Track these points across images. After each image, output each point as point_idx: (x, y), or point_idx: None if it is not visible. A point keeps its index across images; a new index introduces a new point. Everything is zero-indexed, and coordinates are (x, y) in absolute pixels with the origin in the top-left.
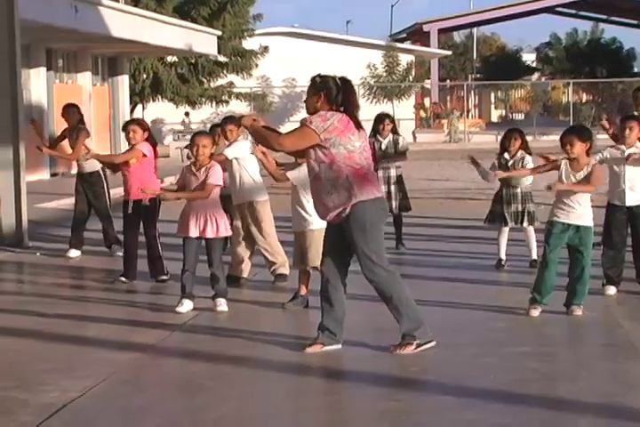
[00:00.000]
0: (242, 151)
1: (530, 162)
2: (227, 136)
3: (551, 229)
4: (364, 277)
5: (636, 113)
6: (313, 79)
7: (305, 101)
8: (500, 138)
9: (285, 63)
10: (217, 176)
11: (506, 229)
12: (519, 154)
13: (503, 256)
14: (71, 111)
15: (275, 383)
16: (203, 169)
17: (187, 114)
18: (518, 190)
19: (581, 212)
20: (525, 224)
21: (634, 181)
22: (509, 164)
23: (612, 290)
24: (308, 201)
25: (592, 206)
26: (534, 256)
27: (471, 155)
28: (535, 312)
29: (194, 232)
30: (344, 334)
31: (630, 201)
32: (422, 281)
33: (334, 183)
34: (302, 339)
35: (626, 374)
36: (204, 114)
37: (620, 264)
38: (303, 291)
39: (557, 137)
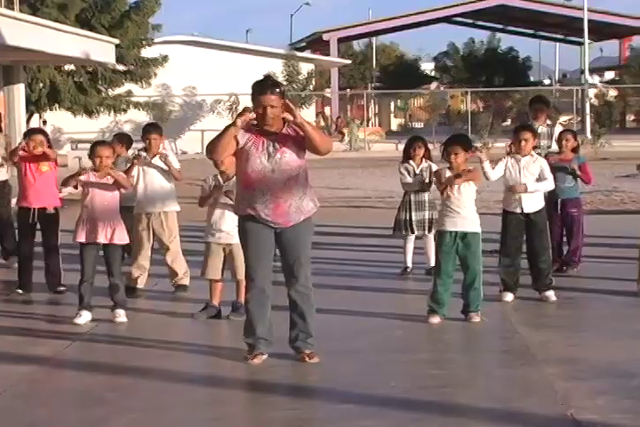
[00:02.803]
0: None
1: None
2: (151, 145)
3: (441, 240)
4: (294, 286)
5: (535, 123)
6: (275, 87)
7: (269, 110)
8: (400, 146)
9: (185, 72)
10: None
11: (412, 237)
12: (424, 163)
13: (409, 264)
14: None
15: (175, 394)
16: (108, 178)
17: (44, 122)
18: (426, 197)
19: (466, 215)
20: (426, 232)
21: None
22: (417, 172)
23: (509, 297)
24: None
25: (490, 214)
26: (432, 264)
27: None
28: (434, 320)
29: (91, 238)
30: (238, 345)
31: (527, 208)
32: (323, 289)
33: (305, 189)
34: (204, 349)
35: (522, 379)
36: (104, 123)
37: (517, 271)
38: (216, 301)
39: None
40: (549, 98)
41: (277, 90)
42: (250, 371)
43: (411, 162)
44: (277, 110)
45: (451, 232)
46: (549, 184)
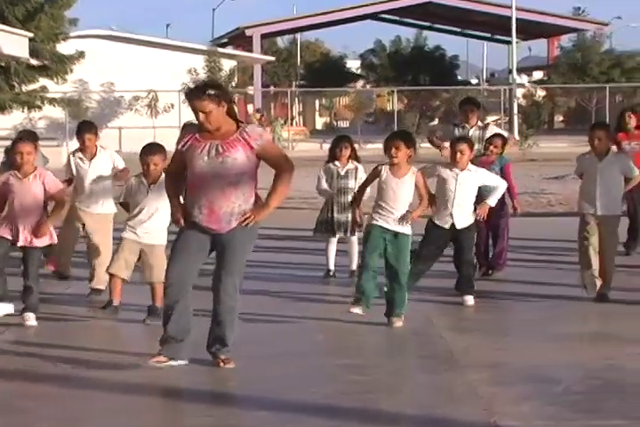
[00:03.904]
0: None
1: (363, 173)
2: (85, 145)
3: (369, 232)
4: (219, 290)
5: (466, 125)
6: (206, 91)
7: (201, 115)
8: (325, 146)
9: (103, 67)
10: (56, 182)
11: (334, 240)
12: (350, 164)
13: (332, 267)
14: None
15: (90, 402)
16: (32, 177)
17: None
18: (349, 199)
19: (401, 215)
20: (348, 234)
21: (463, 206)
22: (342, 173)
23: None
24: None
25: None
26: (354, 267)
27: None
28: (357, 310)
29: (9, 235)
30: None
31: (460, 224)
32: (243, 293)
33: (247, 197)
34: (119, 355)
35: (446, 385)
36: (17, 119)
37: (421, 276)
38: (117, 299)
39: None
40: (477, 98)
41: (211, 93)
42: (167, 377)
43: (336, 163)
44: (213, 115)
45: (382, 228)
46: (502, 188)
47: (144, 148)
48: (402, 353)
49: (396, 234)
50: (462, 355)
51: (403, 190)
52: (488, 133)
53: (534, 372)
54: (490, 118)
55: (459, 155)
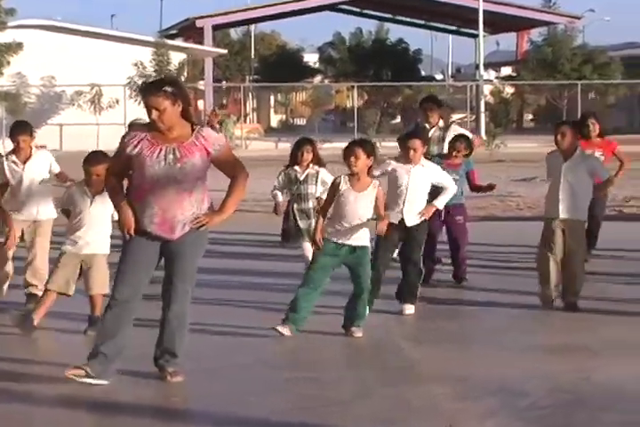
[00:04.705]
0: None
1: (326, 176)
2: (20, 147)
3: (323, 249)
4: (170, 298)
5: (426, 125)
6: (161, 87)
7: (154, 112)
8: (280, 145)
9: (43, 60)
10: None
11: (307, 243)
12: (311, 169)
13: None
14: None
15: (22, 417)
16: None
17: None
18: (310, 205)
19: (358, 229)
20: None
21: (414, 203)
22: (301, 178)
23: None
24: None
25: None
26: None
27: None
28: (284, 330)
29: None
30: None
31: (409, 222)
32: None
33: (200, 204)
34: (54, 368)
35: (407, 399)
36: None
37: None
38: (40, 314)
39: (341, 144)
40: (442, 94)
41: (168, 90)
42: (108, 391)
43: (296, 168)
44: (167, 114)
45: (337, 244)
46: (452, 190)
47: (88, 156)
48: (360, 365)
49: (353, 248)
50: (423, 367)
51: (362, 206)
52: (450, 134)
53: (499, 385)
54: (456, 116)
55: (412, 152)
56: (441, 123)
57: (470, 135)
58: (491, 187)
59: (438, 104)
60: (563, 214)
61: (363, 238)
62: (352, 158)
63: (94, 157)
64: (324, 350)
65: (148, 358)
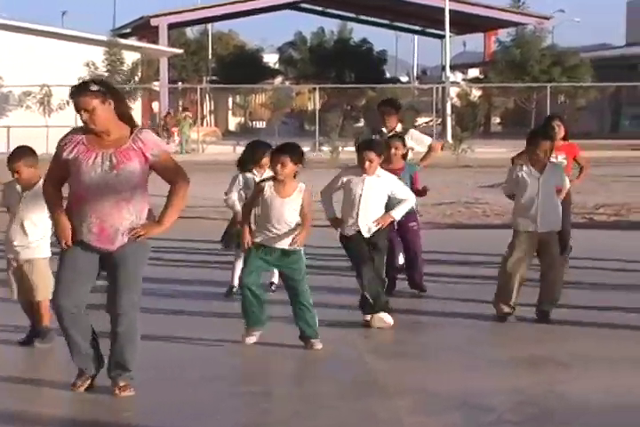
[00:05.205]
0: None
1: None
2: None
3: (249, 250)
4: (116, 311)
5: (384, 129)
6: (89, 87)
7: (84, 114)
8: (238, 149)
9: None
10: None
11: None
12: (268, 172)
13: (236, 283)
14: None
15: None
16: None
17: None
18: None
19: (286, 232)
20: None
21: (368, 214)
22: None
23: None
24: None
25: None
26: (275, 279)
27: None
28: (251, 340)
29: None
30: (47, 376)
31: (365, 233)
32: (144, 312)
33: (140, 213)
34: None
35: (369, 413)
36: None
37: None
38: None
39: (304, 149)
40: (407, 97)
41: (94, 89)
42: (53, 405)
43: (254, 171)
44: (98, 114)
45: (265, 247)
46: (411, 201)
47: (11, 153)
48: (320, 379)
49: (283, 251)
50: (387, 380)
51: (288, 211)
52: (407, 139)
53: (464, 399)
54: (421, 120)
55: (367, 163)
56: (399, 127)
57: (429, 140)
58: (424, 190)
59: (396, 108)
60: (542, 228)
61: (285, 241)
62: (279, 166)
63: (12, 154)
64: (281, 363)
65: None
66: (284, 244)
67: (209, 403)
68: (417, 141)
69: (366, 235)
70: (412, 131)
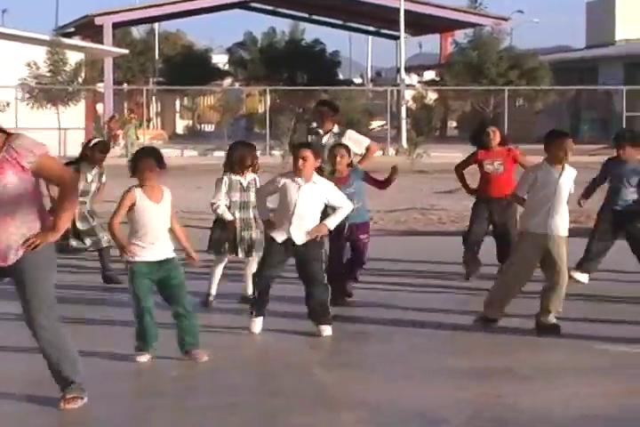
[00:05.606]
0: None
1: (258, 183)
2: None
3: (132, 271)
4: (34, 328)
5: (320, 131)
6: None
7: None
8: (186, 152)
9: None
10: None
11: (225, 261)
12: (250, 175)
13: (214, 292)
14: None
15: None
16: None
17: None
18: (251, 215)
19: (163, 242)
20: (249, 254)
21: (302, 220)
22: (245, 186)
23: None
24: None
25: None
26: (249, 292)
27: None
28: (143, 358)
29: None
30: None
31: (298, 239)
32: (91, 325)
33: (32, 224)
34: None
35: (320, 425)
36: None
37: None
38: None
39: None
40: (361, 99)
41: None
42: (7, 419)
43: (237, 176)
44: None
45: (146, 263)
46: (346, 209)
47: None
48: (267, 392)
49: (161, 261)
50: (336, 393)
51: (161, 215)
52: (345, 140)
53: (418, 411)
54: (375, 123)
55: (301, 162)
56: (336, 128)
57: (368, 141)
58: (389, 180)
59: (333, 109)
60: (552, 231)
61: (169, 250)
62: (147, 172)
63: None
64: (231, 376)
65: (34, 383)
66: (161, 255)
67: (150, 418)
68: (355, 142)
69: (298, 242)
70: (349, 131)
